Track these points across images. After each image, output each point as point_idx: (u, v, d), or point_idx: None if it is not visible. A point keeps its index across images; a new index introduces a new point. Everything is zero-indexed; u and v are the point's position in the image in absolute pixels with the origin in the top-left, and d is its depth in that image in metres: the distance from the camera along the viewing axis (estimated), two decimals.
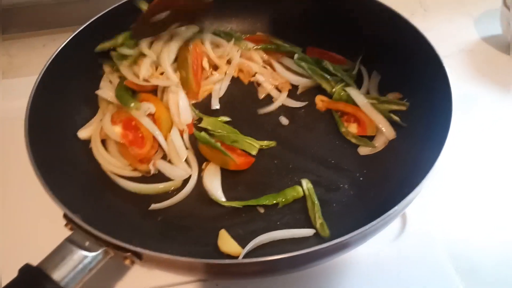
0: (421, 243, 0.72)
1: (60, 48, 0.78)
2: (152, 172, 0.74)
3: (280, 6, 0.95)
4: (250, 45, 0.93)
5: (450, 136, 0.63)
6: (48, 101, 0.72)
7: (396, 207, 0.54)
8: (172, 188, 0.72)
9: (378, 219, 0.53)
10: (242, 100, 0.88)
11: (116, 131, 0.75)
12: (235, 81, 0.93)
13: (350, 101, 0.83)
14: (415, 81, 0.79)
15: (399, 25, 0.82)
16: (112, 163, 0.73)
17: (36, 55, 1.14)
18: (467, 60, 1.06)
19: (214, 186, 0.72)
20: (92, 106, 0.83)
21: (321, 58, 0.89)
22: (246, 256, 0.59)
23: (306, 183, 0.72)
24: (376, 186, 0.71)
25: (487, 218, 0.76)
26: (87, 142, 0.77)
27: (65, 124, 0.76)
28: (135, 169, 0.74)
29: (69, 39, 0.79)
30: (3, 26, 1.16)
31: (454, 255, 0.70)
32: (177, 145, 0.76)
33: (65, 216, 0.51)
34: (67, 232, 0.52)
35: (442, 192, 0.79)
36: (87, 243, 0.49)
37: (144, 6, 0.86)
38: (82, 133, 0.77)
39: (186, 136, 0.79)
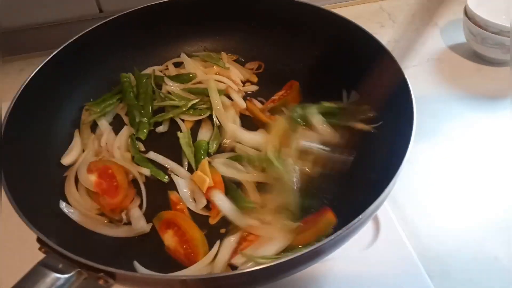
0: (395, 249, 0.74)
1: (34, 73, 0.78)
2: (124, 221, 0.70)
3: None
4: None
5: (420, 142, 0.66)
6: (23, 126, 0.73)
7: (360, 217, 0.55)
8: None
9: (348, 226, 0.55)
10: None
11: (91, 179, 0.74)
12: None
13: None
14: (379, 91, 0.81)
15: (363, 38, 0.84)
16: (80, 204, 0.72)
17: (13, 80, 1.14)
18: (434, 68, 1.10)
19: None
20: (68, 130, 0.84)
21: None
22: None
23: None
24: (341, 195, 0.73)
25: (457, 221, 0.79)
26: (60, 166, 0.77)
27: (41, 148, 0.76)
28: (102, 214, 0.72)
29: (42, 64, 0.80)
30: None
31: (426, 260, 0.73)
32: None
33: (38, 239, 0.52)
34: (40, 255, 0.52)
35: (414, 199, 0.82)
36: (60, 265, 0.49)
37: None
38: (67, 160, 0.78)
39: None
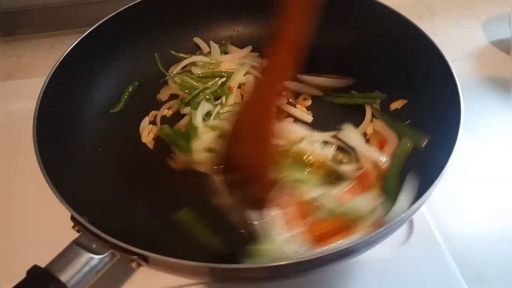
0: (428, 249, 0.71)
1: (69, 50, 0.78)
2: None
3: None
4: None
5: (459, 143, 0.63)
6: (57, 103, 0.73)
7: (402, 215, 0.53)
8: None
9: (384, 226, 0.53)
10: None
11: None
12: None
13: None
14: (422, 86, 0.78)
15: (407, 29, 0.81)
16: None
17: (44, 56, 1.14)
18: (475, 65, 1.05)
19: None
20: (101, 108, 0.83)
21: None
22: None
23: None
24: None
25: (495, 225, 0.75)
26: (96, 143, 0.77)
27: (74, 126, 0.76)
28: None
29: (77, 41, 0.80)
30: (11, 27, 1.17)
31: (461, 262, 0.70)
32: None
33: (72, 218, 0.52)
34: (74, 234, 0.52)
35: (450, 199, 0.78)
36: (94, 246, 0.49)
37: None
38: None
39: None
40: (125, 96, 0.87)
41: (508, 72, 1.02)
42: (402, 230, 0.73)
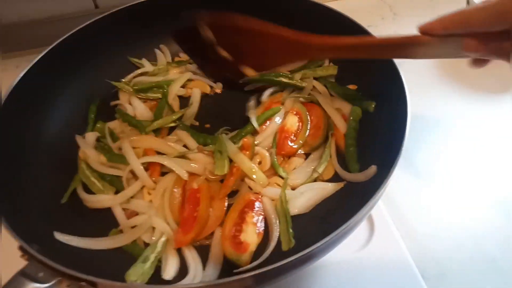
0: (389, 250, 0.72)
1: (25, 71, 0.78)
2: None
3: None
4: None
5: (417, 139, 0.63)
6: (11, 126, 0.72)
7: (350, 220, 0.54)
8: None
9: (338, 230, 0.53)
10: None
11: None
12: None
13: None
14: (376, 84, 0.80)
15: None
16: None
17: (9, 76, 1.13)
18: (435, 65, 1.07)
19: None
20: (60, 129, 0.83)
21: None
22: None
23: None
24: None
25: (454, 223, 0.77)
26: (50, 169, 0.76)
27: (28, 148, 0.75)
28: None
29: (42, 55, 0.80)
30: None
31: (421, 261, 0.71)
32: None
33: (20, 247, 0.52)
34: (23, 262, 0.52)
35: (410, 199, 0.80)
36: (41, 274, 0.49)
37: None
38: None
39: None
40: (92, 116, 0.86)
41: (466, 70, 1.04)
42: (363, 232, 0.74)
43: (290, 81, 0.86)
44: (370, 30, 0.84)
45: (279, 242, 0.65)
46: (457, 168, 0.84)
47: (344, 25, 0.84)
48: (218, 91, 0.92)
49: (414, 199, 0.80)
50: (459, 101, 0.97)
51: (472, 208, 0.78)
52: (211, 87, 0.92)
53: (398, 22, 1.21)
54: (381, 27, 1.19)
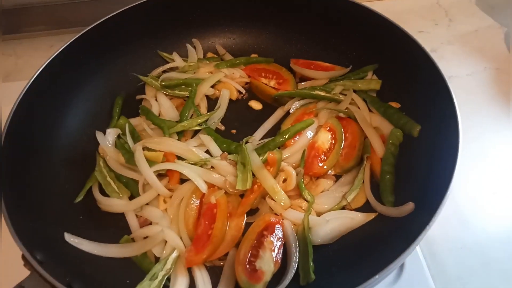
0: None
1: (58, 51, 0.77)
2: None
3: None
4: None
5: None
6: (33, 110, 0.71)
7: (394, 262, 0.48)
8: None
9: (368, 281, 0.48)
10: None
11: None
12: None
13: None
14: (422, 104, 0.72)
15: (406, 44, 0.74)
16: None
17: (43, 55, 1.12)
18: (492, 79, 0.96)
19: None
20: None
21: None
22: None
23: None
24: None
25: (482, 268, 0.69)
26: (65, 161, 0.74)
27: (46, 140, 0.73)
28: None
29: (70, 41, 0.79)
30: (11, 25, 1.15)
31: None
32: None
33: (23, 257, 0.49)
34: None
35: (446, 236, 0.72)
36: None
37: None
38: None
39: None
40: (117, 109, 0.83)
41: None
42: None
43: (327, 95, 0.79)
44: (420, 37, 0.76)
45: (296, 274, 0.59)
46: (501, 206, 0.75)
47: (388, 30, 0.77)
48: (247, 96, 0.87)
49: (451, 237, 0.72)
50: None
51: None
52: (240, 92, 0.86)
53: (453, 29, 1.10)
54: (433, 34, 1.08)
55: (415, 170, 0.65)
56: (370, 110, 0.78)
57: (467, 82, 0.96)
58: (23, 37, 1.17)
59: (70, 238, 0.62)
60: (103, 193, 0.70)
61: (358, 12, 0.81)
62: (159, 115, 0.82)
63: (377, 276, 0.47)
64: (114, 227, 0.67)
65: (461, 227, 0.73)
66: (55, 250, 0.54)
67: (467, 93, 0.93)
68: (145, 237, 0.65)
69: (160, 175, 0.70)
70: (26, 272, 0.50)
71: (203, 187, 0.66)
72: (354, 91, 0.79)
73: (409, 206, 0.59)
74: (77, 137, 0.77)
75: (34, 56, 1.12)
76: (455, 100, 0.64)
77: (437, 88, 0.67)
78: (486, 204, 0.75)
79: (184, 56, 0.92)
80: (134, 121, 0.80)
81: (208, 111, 0.83)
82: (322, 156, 0.71)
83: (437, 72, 0.68)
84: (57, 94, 0.78)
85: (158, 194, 0.68)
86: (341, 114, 0.77)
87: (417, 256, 0.68)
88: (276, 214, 0.66)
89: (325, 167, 0.70)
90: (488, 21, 1.11)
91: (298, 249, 0.61)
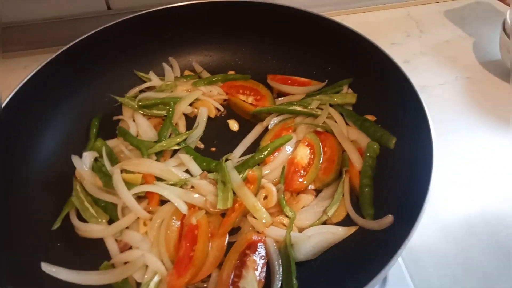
0: None
1: (32, 73, 0.76)
2: None
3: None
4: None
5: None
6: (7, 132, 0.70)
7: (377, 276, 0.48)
8: None
9: None
10: None
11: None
12: None
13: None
14: (396, 116, 0.73)
15: (378, 57, 0.76)
16: None
17: (16, 78, 1.10)
18: (463, 88, 0.99)
19: None
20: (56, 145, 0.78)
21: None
22: None
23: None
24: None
25: (465, 275, 0.70)
26: (40, 186, 0.72)
27: (20, 165, 0.71)
28: None
29: (45, 63, 0.77)
30: None
31: None
32: None
33: None
34: None
35: (427, 245, 0.73)
36: None
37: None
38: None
39: None
40: (94, 131, 0.81)
41: (497, 96, 0.96)
42: None
43: (305, 110, 0.80)
44: (393, 48, 0.78)
45: None
46: (480, 212, 0.77)
47: (360, 44, 0.78)
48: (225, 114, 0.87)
49: (432, 245, 0.73)
50: (487, 133, 0.89)
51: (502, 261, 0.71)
52: (218, 109, 0.86)
53: (425, 40, 1.13)
54: (406, 46, 1.11)
55: (393, 182, 0.66)
56: (347, 124, 0.79)
57: (441, 91, 0.99)
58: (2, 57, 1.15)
59: (47, 268, 0.60)
60: (81, 218, 0.68)
61: (331, 27, 0.82)
62: (137, 136, 0.81)
63: None
64: (94, 253, 0.65)
65: (442, 235, 0.74)
66: (31, 282, 0.52)
67: (440, 102, 0.96)
68: (126, 262, 0.63)
69: (140, 197, 0.69)
70: None
71: (183, 209, 0.66)
72: (331, 105, 0.80)
73: (388, 219, 0.60)
74: (53, 160, 0.75)
75: (8, 78, 1.10)
76: (427, 111, 0.66)
77: (409, 99, 0.69)
78: (465, 211, 0.76)
79: (161, 75, 0.92)
80: (112, 142, 0.79)
81: (186, 130, 0.83)
82: (302, 171, 0.72)
83: (408, 83, 0.70)
84: (31, 117, 0.77)
85: (138, 217, 0.67)
86: (319, 129, 0.78)
87: (399, 266, 0.69)
88: (258, 232, 0.66)
89: (305, 182, 0.70)
90: (457, 32, 1.15)
91: (281, 267, 0.61)
